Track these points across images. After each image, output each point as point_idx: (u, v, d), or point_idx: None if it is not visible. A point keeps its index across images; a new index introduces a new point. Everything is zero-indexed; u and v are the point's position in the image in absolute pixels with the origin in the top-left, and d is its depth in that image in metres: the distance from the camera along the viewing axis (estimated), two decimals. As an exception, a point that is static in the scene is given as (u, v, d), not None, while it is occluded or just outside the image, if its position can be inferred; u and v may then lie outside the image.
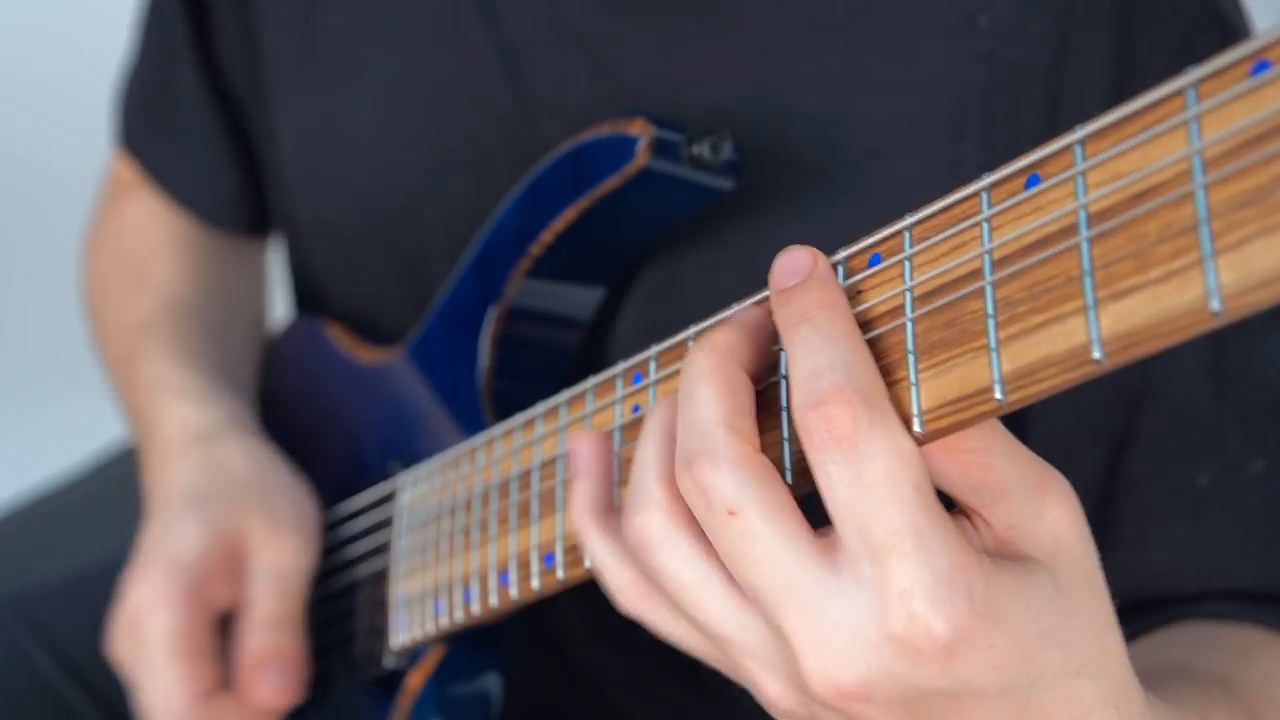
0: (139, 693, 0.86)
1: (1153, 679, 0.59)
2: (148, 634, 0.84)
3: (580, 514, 0.61)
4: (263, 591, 0.87)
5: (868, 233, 0.56)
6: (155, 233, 1.14)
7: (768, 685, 0.54)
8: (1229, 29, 0.78)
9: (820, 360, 0.51)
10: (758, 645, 0.54)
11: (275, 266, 1.19)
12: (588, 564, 0.68)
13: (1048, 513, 0.53)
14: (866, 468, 0.50)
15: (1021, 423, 0.79)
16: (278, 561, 0.87)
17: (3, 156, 1.83)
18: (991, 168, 0.51)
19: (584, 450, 0.63)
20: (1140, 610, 0.78)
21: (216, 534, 0.87)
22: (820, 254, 0.55)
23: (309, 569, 0.89)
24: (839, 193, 0.79)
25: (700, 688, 0.94)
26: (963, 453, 0.53)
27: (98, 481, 1.28)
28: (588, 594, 0.91)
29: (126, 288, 1.11)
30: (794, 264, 0.55)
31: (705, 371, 0.54)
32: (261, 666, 0.85)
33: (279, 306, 1.24)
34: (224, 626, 0.89)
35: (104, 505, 1.15)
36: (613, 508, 0.61)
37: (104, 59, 1.27)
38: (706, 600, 0.54)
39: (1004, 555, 0.53)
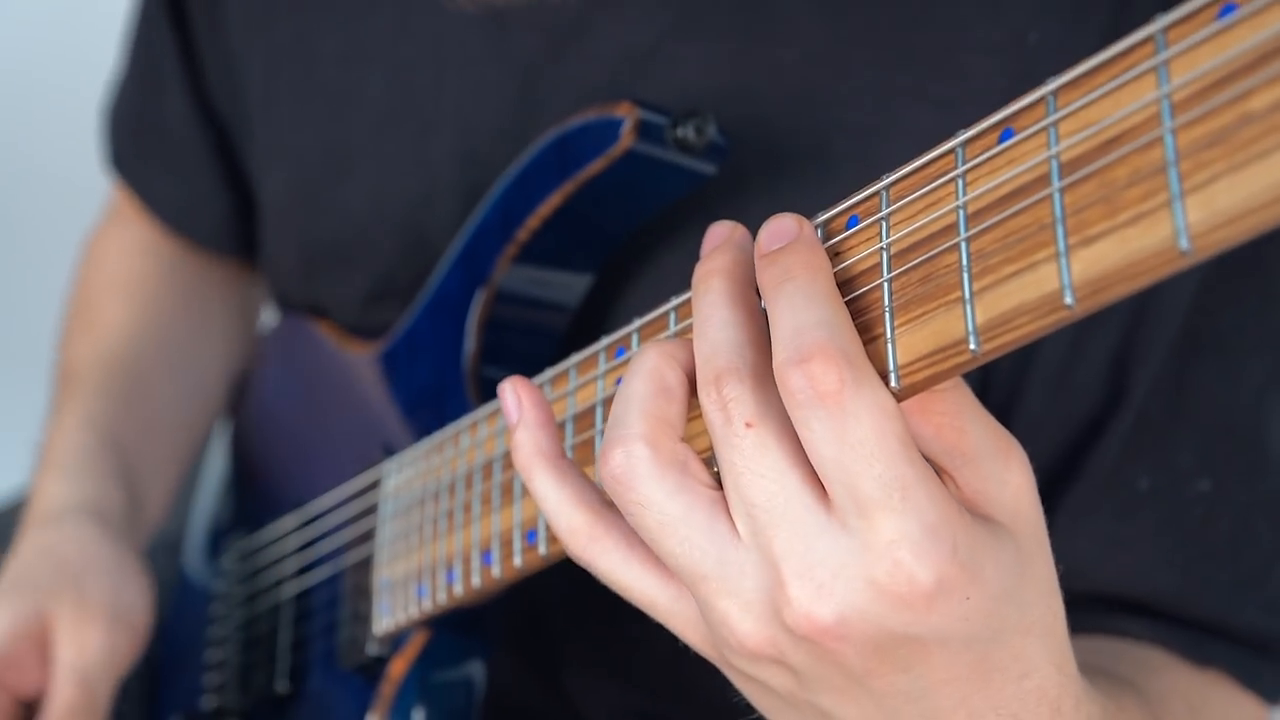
0: None
1: None
2: None
3: (525, 457, 0.60)
4: (61, 683, 0.87)
5: None
6: (119, 271, 1.16)
7: (740, 623, 0.54)
8: None
9: (804, 318, 0.51)
10: (736, 577, 0.53)
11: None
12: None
13: (1010, 479, 0.54)
14: (852, 425, 0.50)
15: (1009, 407, 0.80)
16: (80, 653, 0.87)
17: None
18: None
19: (512, 399, 0.61)
20: None
21: (22, 621, 0.88)
22: (806, 220, 0.56)
23: (118, 663, 0.89)
24: None
25: (680, 705, 0.94)
26: (937, 415, 0.53)
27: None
28: (582, 619, 0.92)
29: (78, 326, 1.14)
30: (780, 229, 0.56)
31: (726, 295, 0.55)
32: None
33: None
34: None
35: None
36: (559, 452, 0.60)
37: (101, 59, 1.27)
38: (690, 533, 0.54)
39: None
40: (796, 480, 0.52)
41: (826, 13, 0.79)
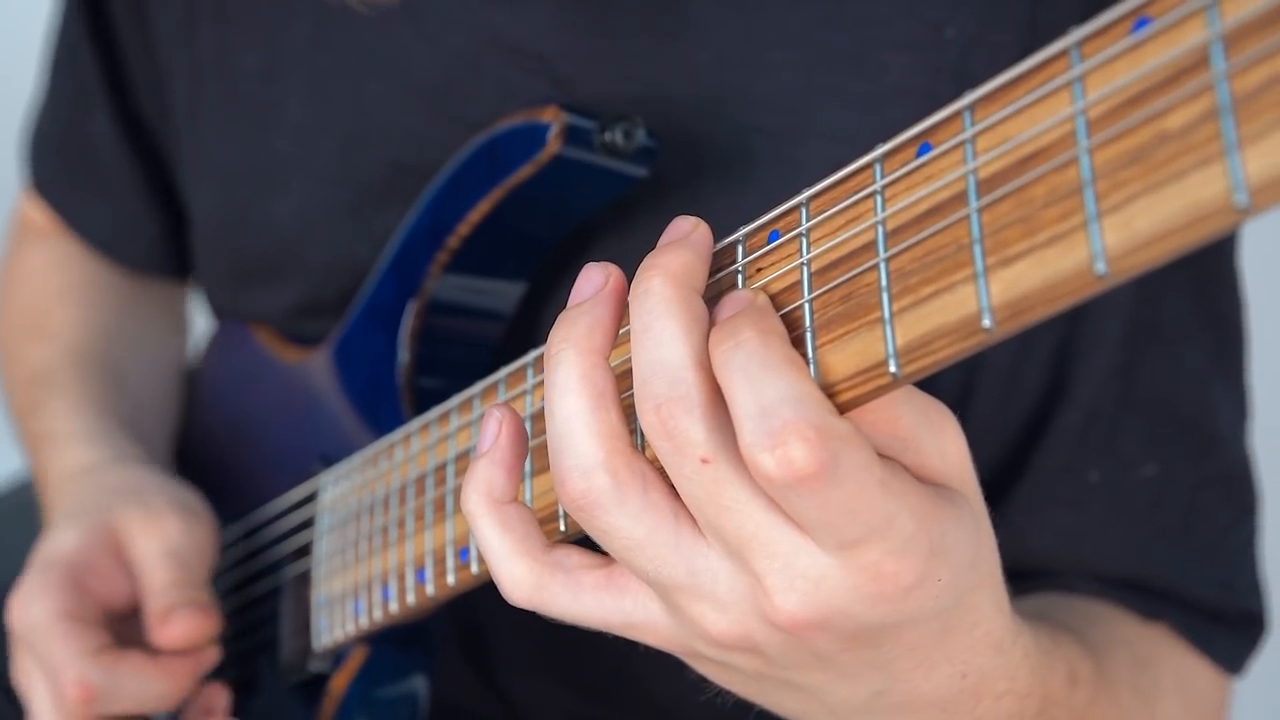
0: (32, 682, 0.82)
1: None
2: (31, 620, 0.81)
3: (473, 496, 0.57)
4: (153, 568, 0.84)
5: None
6: (58, 280, 1.12)
7: (715, 623, 0.53)
8: None
9: (766, 394, 0.48)
10: (709, 584, 0.52)
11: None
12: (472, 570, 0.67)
13: (949, 446, 0.53)
14: (834, 493, 0.48)
15: (962, 407, 0.79)
16: (161, 540, 0.85)
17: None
18: None
19: (494, 429, 0.57)
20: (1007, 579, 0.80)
21: (91, 533, 0.85)
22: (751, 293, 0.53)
23: (202, 545, 0.86)
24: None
25: (621, 709, 0.94)
26: (869, 411, 0.52)
27: (19, 497, 1.26)
28: (522, 621, 0.90)
29: (26, 338, 1.10)
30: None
31: (666, 302, 0.51)
32: (170, 613, 0.82)
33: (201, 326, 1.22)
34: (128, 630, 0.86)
35: (23, 521, 1.13)
36: (510, 496, 0.57)
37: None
38: (657, 551, 0.53)
39: None
40: (763, 506, 0.50)
41: (739, 13, 0.78)
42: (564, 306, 0.82)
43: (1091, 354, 0.79)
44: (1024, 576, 0.81)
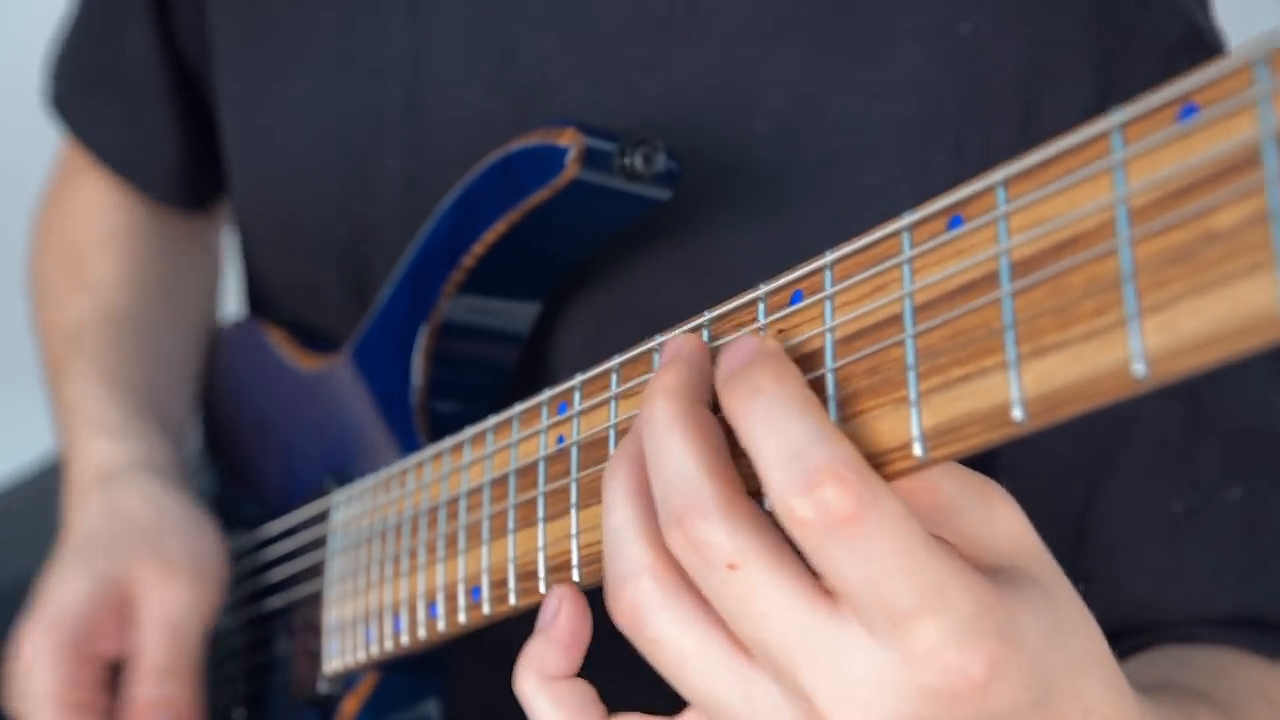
0: None
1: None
2: (30, 691, 0.81)
3: (528, 676, 0.56)
4: (152, 640, 0.84)
5: (826, 240, 0.52)
6: (99, 225, 1.10)
7: None
8: (1212, 52, 0.75)
9: (793, 437, 0.46)
10: (769, 712, 0.49)
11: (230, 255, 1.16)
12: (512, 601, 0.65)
13: (998, 518, 0.50)
14: (876, 542, 0.45)
15: (991, 460, 0.76)
16: (167, 608, 0.84)
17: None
18: (959, 180, 0.47)
19: (554, 606, 0.57)
20: (1118, 637, 0.75)
21: (102, 584, 0.84)
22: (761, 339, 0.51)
23: (205, 613, 0.86)
24: (799, 197, 0.76)
25: None
26: (906, 482, 0.49)
27: (29, 491, 1.25)
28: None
29: (65, 284, 1.08)
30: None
31: (669, 419, 0.50)
32: (149, 711, 0.82)
33: (230, 303, 1.20)
34: (116, 676, 0.86)
35: (32, 516, 1.13)
36: (565, 672, 0.56)
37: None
38: (710, 667, 0.50)
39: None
40: (803, 609, 0.47)
41: None
42: (580, 327, 0.81)
43: None
44: (1132, 633, 0.78)
